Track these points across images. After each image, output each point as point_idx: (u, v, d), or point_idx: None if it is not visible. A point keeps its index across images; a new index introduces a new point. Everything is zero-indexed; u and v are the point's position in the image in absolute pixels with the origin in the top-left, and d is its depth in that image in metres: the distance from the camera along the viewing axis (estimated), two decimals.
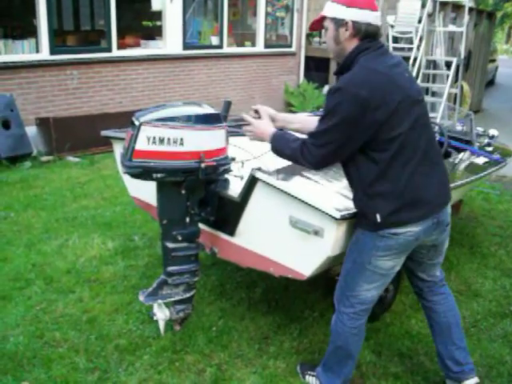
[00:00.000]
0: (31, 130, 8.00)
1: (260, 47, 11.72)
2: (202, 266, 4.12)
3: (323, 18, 2.79)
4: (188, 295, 3.56)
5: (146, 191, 3.92)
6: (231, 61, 11.08)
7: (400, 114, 2.59)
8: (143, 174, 3.00)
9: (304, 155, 2.78)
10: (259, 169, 3.18)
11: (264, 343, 3.80)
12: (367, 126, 2.57)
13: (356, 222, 2.92)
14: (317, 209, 2.92)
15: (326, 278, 4.02)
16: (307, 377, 3.40)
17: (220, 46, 10.77)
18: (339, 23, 2.70)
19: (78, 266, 4.66)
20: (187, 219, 3.30)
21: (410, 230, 2.77)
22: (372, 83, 2.56)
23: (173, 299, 3.52)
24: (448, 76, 10.58)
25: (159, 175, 3.01)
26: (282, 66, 12.43)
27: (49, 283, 4.34)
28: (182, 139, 2.97)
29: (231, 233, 3.49)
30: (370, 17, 2.71)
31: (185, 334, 3.75)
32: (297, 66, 12.85)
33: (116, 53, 9.03)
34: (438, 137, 5.10)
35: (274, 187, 3.10)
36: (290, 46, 12.52)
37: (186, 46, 10.06)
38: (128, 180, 4.13)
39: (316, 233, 3.01)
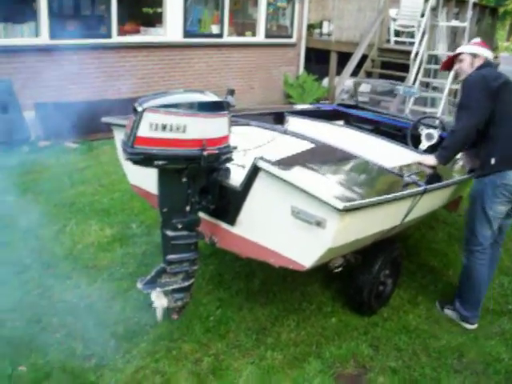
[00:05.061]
0: (29, 115, 7.93)
1: (260, 37, 11.64)
2: (201, 255, 4.09)
3: (459, 54, 4.09)
4: (187, 284, 3.53)
5: (145, 179, 3.88)
6: (231, 50, 11.01)
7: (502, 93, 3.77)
8: (145, 160, 2.97)
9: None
10: (261, 158, 3.15)
11: (262, 334, 3.79)
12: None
13: (476, 174, 3.99)
14: (319, 199, 2.90)
15: (325, 271, 4.01)
16: (446, 310, 4.30)
17: (220, 35, 10.70)
18: (475, 56, 4.01)
19: (75, 252, 4.64)
20: (187, 208, 3.27)
21: None
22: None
23: (171, 288, 3.49)
24: (450, 71, 10.50)
25: (161, 162, 2.97)
26: (282, 56, 12.36)
27: (46, 268, 4.32)
28: (184, 126, 2.93)
29: (232, 222, 3.47)
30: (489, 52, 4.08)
31: (182, 322, 3.74)
32: (297, 57, 12.78)
33: (116, 39, 8.96)
34: (439, 132, 5.08)
35: (277, 177, 3.07)
36: (291, 37, 12.45)
37: (186, 34, 9.98)
38: (128, 168, 4.10)
39: (318, 224, 2.99)
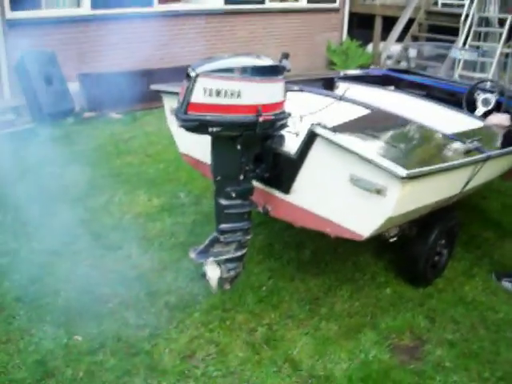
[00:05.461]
0: (73, 86, 7.94)
1: (303, 3, 11.34)
2: None
3: None
4: (239, 254, 3.47)
5: (196, 147, 3.81)
6: (274, 16, 10.77)
7: None
8: (199, 127, 2.89)
9: None
10: (319, 124, 3.03)
11: (315, 304, 3.72)
12: None
13: None
14: (381, 166, 2.78)
15: (378, 240, 3.89)
16: (504, 282, 4.14)
17: (262, 1, 10.46)
18: None
19: (124, 223, 4.63)
20: (241, 176, 3.19)
21: None
22: None
23: (224, 257, 3.44)
24: (501, 34, 10.10)
25: (215, 129, 2.89)
26: (325, 22, 12.04)
27: (96, 239, 4.32)
28: (239, 92, 2.83)
29: (286, 191, 3.37)
30: None
31: (234, 292, 3.69)
32: (340, 22, 12.44)
33: (157, 7, 8.87)
34: (497, 97, 4.86)
35: (335, 143, 2.95)
36: (334, 2, 12.09)
37: (227, 1, 9.79)
38: (178, 136, 4.04)
39: (378, 192, 2.87)
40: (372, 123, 3.63)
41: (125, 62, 8.58)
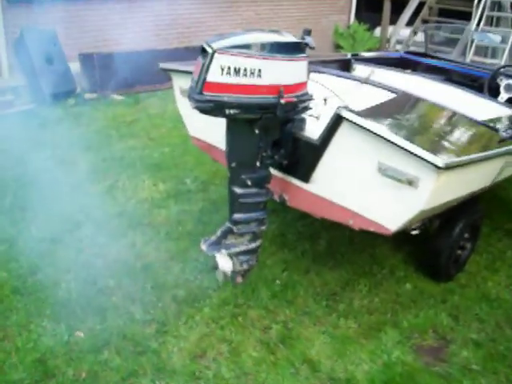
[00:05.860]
0: (74, 67, 7.66)
1: None
2: None
3: None
4: (254, 246, 3.24)
5: (208, 131, 3.57)
6: None
7: None
8: (215, 109, 2.63)
9: None
10: (345, 107, 2.78)
11: (332, 300, 3.50)
12: None
13: None
14: (415, 155, 2.53)
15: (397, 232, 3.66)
16: None
17: None
18: None
19: (129, 209, 4.40)
20: (258, 162, 2.95)
21: None
22: None
23: (237, 249, 3.21)
24: None
25: (232, 111, 2.64)
26: (332, 4, 11.73)
27: (100, 226, 4.07)
28: (259, 71, 2.58)
29: (306, 179, 3.13)
30: None
31: (247, 286, 3.47)
32: (348, 5, 12.12)
33: None
34: None
35: (363, 128, 2.70)
36: None
37: None
38: (188, 118, 3.79)
39: (410, 183, 2.63)
40: (399, 108, 3.38)
41: (127, 41, 8.29)
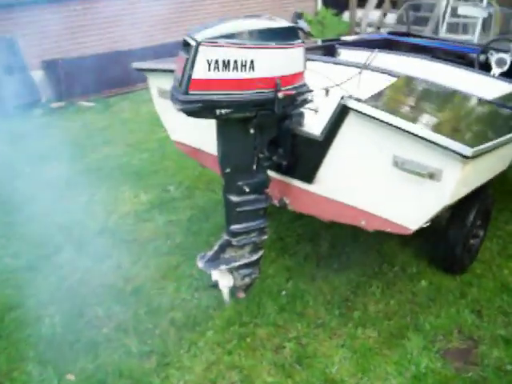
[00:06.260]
0: (37, 75, 7.25)
1: None
2: None
3: None
4: (255, 257, 2.95)
5: (194, 134, 3.22)
6: None
7: None
8: (204, 110, 2.30)
9: None
10: (351, 96, 2.46)
11: (345, 307, 3.20)
12: None
13: None
14: (437, 145, 2.23)
15: None
16: None
17: None
18: None
19: (111, 225, 4.04)
20: (254, 165, 2.62)
21: None
22: None
23: (238, 263, 2.89)
24: None
25: (224, 111, 2.31)
26: None
27: (81, 247, 3.71)
28: (252, 62, 2.26)
29: (309, 179, 2.81)
30: None
31: (251, 301, 3.15)
32: None
33: None
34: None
35: (374, 118, 2.38)
36: None
37: None
38: (169, 121, 3.44)
39: (431, 176, 2.33)
40: (405, 93, 3.07)
41: (92, 44, 7.89)
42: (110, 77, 7.38)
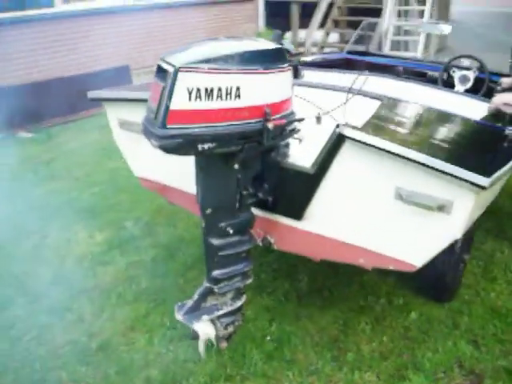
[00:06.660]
0: None
1: None
2: None
3: None
4: (239, 304, 2.66)
5: (161, 168, 2.90)
6: (187, 10, 9.88)
7: None
8: (184, 146, 2.01)
9: None
10: (346, 124, 2.22)
11: (336, 349, 2.94)
12: None
13: None
14: (449, 174, 2.01)
15: None
16: None
17: None
18: None
19: (66, 272, 3.63)
20: (237, 204, 2.34)
21: None
22: None
23: (221, 312, 2.59)
24: (423, 11, 9.96)
25: (207, 146, 2.02)
26: (240, 13, 11.32)
27: (35, 300, 3.30)
28: (238, 89, 1.99)
29: (298, 216, 2.55)
30: None
31: (234, 351, 2.84)
32: (255, 12, 11.73)
33: (60, 7, 7.74)
34: (476, 73, 4.31)
35: (375, 147, 2.15)
36: None
37: None
38: (131, 155, 3.10)
39: (440, 208, 2.11)
40: (398, 118, 2.85)
41: (31, 70, 7.43)
42: (49, 105, 6.94)
